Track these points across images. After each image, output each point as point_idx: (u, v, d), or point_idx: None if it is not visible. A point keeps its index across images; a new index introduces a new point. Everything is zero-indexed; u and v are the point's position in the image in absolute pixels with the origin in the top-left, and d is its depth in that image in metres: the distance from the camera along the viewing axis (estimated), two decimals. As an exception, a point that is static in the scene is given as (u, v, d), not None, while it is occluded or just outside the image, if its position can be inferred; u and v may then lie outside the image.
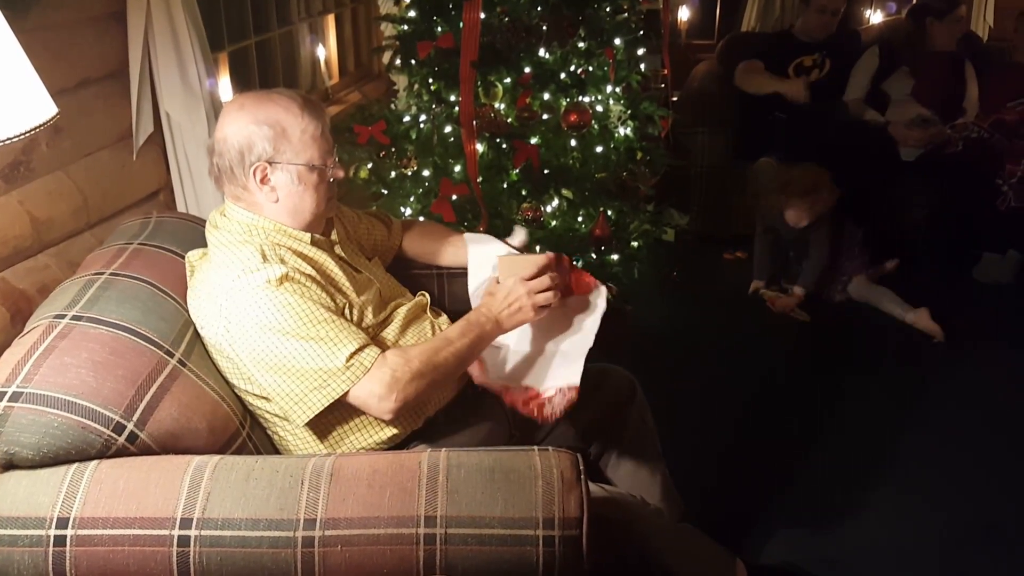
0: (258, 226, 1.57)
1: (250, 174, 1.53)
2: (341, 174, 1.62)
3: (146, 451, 1.29)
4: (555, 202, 2.62)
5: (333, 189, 1.64)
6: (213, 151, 1.57)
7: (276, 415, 1.52)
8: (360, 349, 1.43)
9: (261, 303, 1.41)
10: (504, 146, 2.57)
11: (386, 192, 2.74)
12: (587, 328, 1.71)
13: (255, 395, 1.51)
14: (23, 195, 1.75)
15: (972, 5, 4.43)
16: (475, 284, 1.84)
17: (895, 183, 3.61)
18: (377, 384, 1.42)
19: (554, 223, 2.64)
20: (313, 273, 1.51)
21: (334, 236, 1.70)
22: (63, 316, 1.37)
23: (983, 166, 3.59)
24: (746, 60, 4.05)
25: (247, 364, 1.45)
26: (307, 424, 1.47)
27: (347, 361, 1.41)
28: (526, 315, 1.61)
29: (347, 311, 1.54)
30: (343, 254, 1.69)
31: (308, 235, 1.61)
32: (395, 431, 1.58)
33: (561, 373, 1.68)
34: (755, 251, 3.60)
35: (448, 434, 1.61)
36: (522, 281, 1.62)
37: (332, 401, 1.42)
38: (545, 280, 1.63)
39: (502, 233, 2.55)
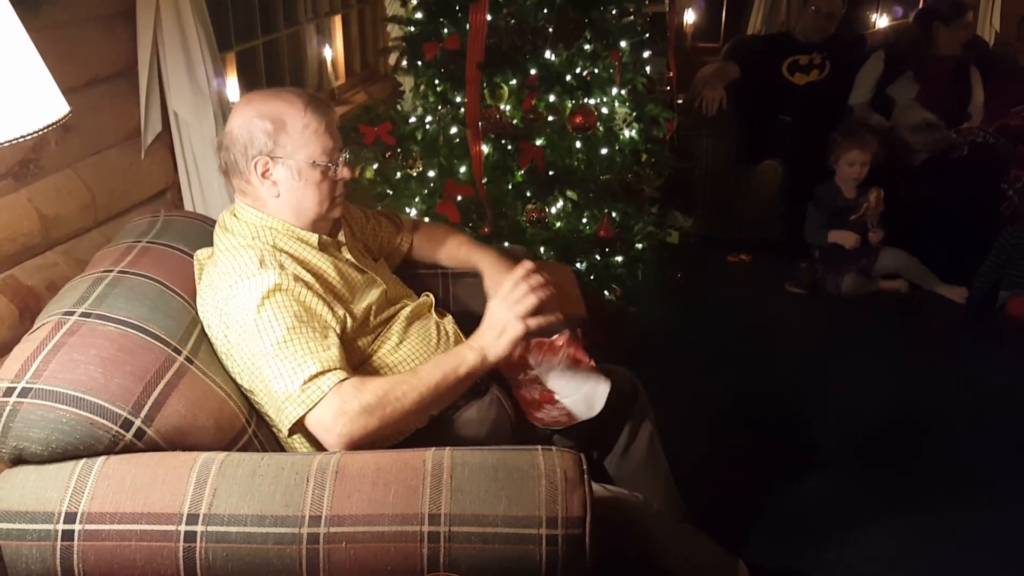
0: (266, 226, 1.58)
1: (252, 167, 1.55)
2: (348, 174, 1.62)
3: (153, 447, 1.30)
4: (560, 203, 2.63)
5: (339, 188, 1.63)
6: (221, 146, 1.59)
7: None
8: (320, 374, 1.38)
9: (248, 316, 1.42)
10: (509, 147, 2.58)
11: (391, 193, 2.75)
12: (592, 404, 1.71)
13: (255, 395, 1.53)
14: (32, 193, 1.76)
15: (978, 10, 4.43)
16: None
17: (900, 187, 3.61)
18: (326, 414, 1.37)
19: (559, 224, 2.65)
20: (311, 280, 1.51)
21: (342, 237, 1.71)
22: (72, 313, 1.38)
23: (988, 171, 3.59)
24: (727, 61, 4.08)
25: (242, 369, 1.47)
26: (300, 432, 1.46)
27: (303, 384, 1.37)
28: (515, 330, 1.49)
29: (347, 320, 1.54)
30: (350, 256, 1.69)
31: (315, 236, 1.61)
32: (398, 430, 1.59)
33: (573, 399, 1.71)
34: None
35: (452, 432, 1.62)
36: (500, 300, 1.51)
37: (293, 422, 1.38)
38: (521, 288, 1.50)
39: (505, 233, 2.57)
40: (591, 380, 1.69)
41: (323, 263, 1.59)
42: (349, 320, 1.54)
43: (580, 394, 1.73)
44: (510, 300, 1.51)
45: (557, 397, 1.74)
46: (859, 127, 3.62)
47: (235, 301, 1.45)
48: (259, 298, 1.43)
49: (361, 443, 1.39)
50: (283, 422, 1.41)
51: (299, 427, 1.42)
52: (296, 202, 1.58)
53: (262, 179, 1.56)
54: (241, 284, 1.45)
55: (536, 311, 1.50)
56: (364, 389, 1.40)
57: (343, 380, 1.40)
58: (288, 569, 1.18)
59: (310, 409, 1.38)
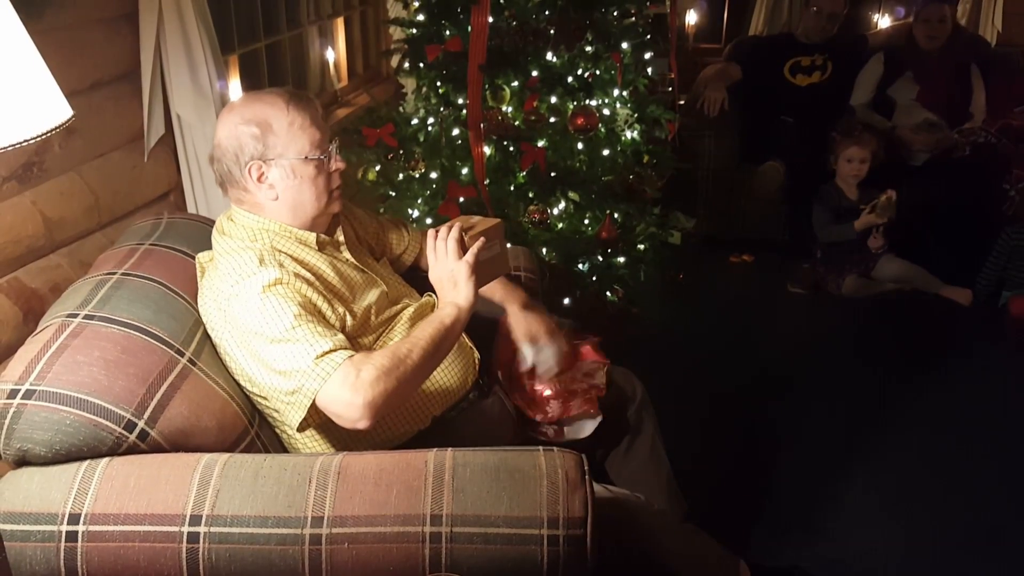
0: (263, 229, 1.58)
1: (247, 174, 1.55)
2: (342, 165, 1.62)
3: (157, 448, 1.31)
4: (562, 204, 2.63)
5: (336, 180, 1.63)
6: (213, 159, 1.59)
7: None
8: (332, 351, 1.40)
9: (254, 309, 1.43)
10: (511, 149, 2.58)
11: (394, 194, 2.75)
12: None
13: (259, 396, 1.53)
14: (36, 195, 1.77)
15: (980, 10, 4.42)
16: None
17: (902, 188, 3.61)
18: (343, 388, 1.36)
19: (561, 225, 2.65)
20: (311, 279, 1.52)
21: (340, 237, 1.71)
22: (75, 315, 1.39)
23: (990, 171, 3.59)
24: (729, 62, 4.08)
25: (247, 367, 1.47)
26: (310, 427, 1.47)
27: (316, 359, 1.38)
28: (462, 270, 1.57)
29: (347, 319, 1.55)
30: (349, 256, 1.70)
31: (313, 235, 1.62)
32: (401, 431, 1.59)
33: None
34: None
35: (455, 433, 1.62)
36: (433, 268, 1.61)
37: (309, 403, 1.38)
38: (440, 246, 1.59)
39: (508, 234, 2.57)
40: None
41: (322, 263, 1.60)
42: (349, 319, 1.55)
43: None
44: (440, 258, 1.60)
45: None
46: (856, 125, 3.63)
47: (238, 300, 1.45)
48: (261, 291, 1.43)
49: (383, 410, 1.38)
50: (300, 404, 1.39)
51: (312, 418, 1.41)
52: (294, 201, 1.58)
53: (259, 184, 1.56)
54: (243, 283, 1.45)
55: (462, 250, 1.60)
56: (374, 356, 1.42)
57: (353, 355, 1.41)
58: (291, 570, 1.18)
59: (325, 384, 1.37)
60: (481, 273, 1.61)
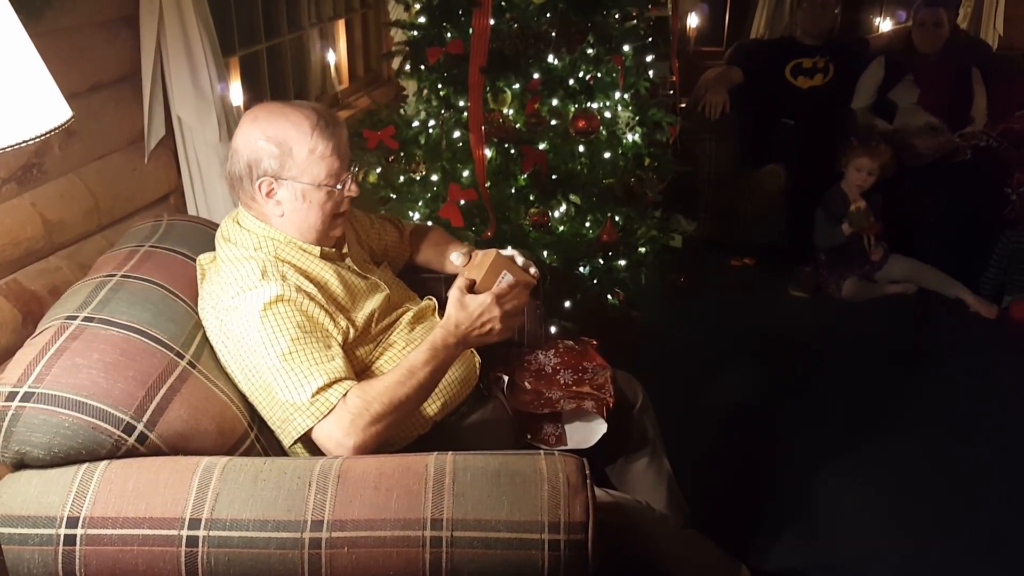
0: (269, 237, 1.58)
1: (256, 187, 1.55)
2: (355, 192, 1.61)
3: (156, 452, 1.30)
4: (563, 207, 2.63)
5: (344, 206, 1.61)
6: (228, 160, 1.59)
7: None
8: (328, 385, 1.41)
9: (252, 327, 1.43)
10: (512, 151, 2.58)
11: (394, 196, 2.75)
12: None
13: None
14: (35, 197, 1.76)
15: (982, 14, 4.42)
16: None
17: (903, 191, 3.61)
18: (336, 427, 1.40)
19: (562, 228, 2.64)
20: (313, 291, 1.52)
21: (345, 248, 1.70)
22: (75, 317, 1.39)
23: (991, 175, 3.58)
24: (730, 65, 4.08)
25: (241, 383, 1.48)
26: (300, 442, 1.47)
27: (312, 396, 1.40)
28: (492, 338, 1.54)
29: (349, 330, 1.54)
30: (352, 264, 1.69)
31: (318, 248, 1.61)
32: (401, 435, 1.59)
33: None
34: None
35: (455, 437, 1.62)
36: (497, 300, 1.53)
37: (299, 435, 1.42)
38: (519, 298, 1.56)
39: (508, 237, 2.57)
40: (594, 417, 1.78)
41: (325, 272, 1.59)
42: (351, 330, 1.55)
43: (579, 422, 1.76)
44: (507, 307, 1.54)
45: (561, 422, 1.78)
46: (877, 136, 3.64)
47: (236, 313, 1.45)
48: (261, 308, 1.43)
49: (371, 449, 1.41)
50: (289, 433, 1.42)
51: (304, 438, 1.43)
52: (299, 221, 1.58)
53: (266, 198, 1.56)
54: (243, 296, 1.45)
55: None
56: (370, 398, 1.42)
57: (348, 391, 1.42)
58: (290, 574, 1.18)
59: (319, 421, 1.40)
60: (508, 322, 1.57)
